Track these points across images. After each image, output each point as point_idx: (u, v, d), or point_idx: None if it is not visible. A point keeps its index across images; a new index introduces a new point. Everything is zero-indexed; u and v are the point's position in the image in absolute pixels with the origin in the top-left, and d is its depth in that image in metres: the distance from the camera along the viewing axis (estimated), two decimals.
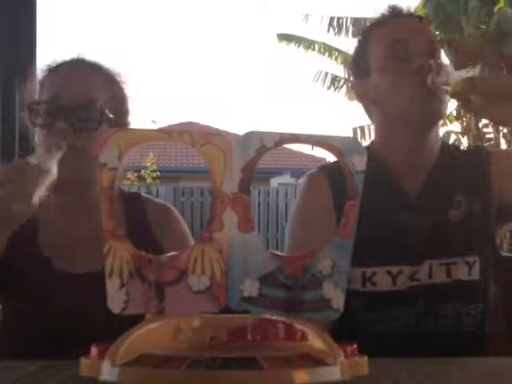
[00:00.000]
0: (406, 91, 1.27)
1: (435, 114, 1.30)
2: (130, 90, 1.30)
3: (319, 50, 11.96)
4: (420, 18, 1.36)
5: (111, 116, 1.21)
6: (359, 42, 1.39)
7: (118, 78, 1.28)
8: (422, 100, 1.26)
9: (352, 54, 1.43)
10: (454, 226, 1.30)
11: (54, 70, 1.25)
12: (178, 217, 1.36)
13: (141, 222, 1.27)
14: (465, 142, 12.69)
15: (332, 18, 11.61)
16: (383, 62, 1.31)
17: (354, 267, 1.23)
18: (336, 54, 11.98)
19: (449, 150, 1.39)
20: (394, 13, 1.36)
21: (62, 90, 1.20)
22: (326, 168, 1.37)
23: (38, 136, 1.23)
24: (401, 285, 1.26)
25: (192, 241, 1.34)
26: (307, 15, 11.78)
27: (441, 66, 1.23)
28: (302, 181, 1.40)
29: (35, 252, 1.20)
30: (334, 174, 1.30)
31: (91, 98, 1.20)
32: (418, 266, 1.27)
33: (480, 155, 1.38)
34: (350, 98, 12.56)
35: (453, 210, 1.32)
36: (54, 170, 1.00)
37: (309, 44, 11.88)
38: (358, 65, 1.39)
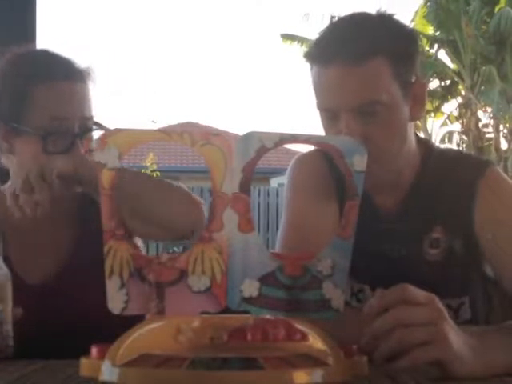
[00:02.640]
0: None
1: None
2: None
3: None
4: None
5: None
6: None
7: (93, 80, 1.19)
8: None
9: None
10: (432, 264, 1.12)
11: (44, 79, 1.12)
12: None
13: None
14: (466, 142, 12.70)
15: (333, 17, 11.63)
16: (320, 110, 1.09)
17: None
18: None
19: (433, 163, 1.14)
20: (325, 55, 1.06)
21: (69, 113, 1.11)
22: (318, 149, 1.13)
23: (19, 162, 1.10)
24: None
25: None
26: (307, 14, 11.80)
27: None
28: (290, 166, 1.20)
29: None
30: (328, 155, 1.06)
31: (92, 119, 1.14)
32: None
33: (469, 176, 1.12)
34: None
35: (430, 247, 1.12)
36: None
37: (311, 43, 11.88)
38: None
